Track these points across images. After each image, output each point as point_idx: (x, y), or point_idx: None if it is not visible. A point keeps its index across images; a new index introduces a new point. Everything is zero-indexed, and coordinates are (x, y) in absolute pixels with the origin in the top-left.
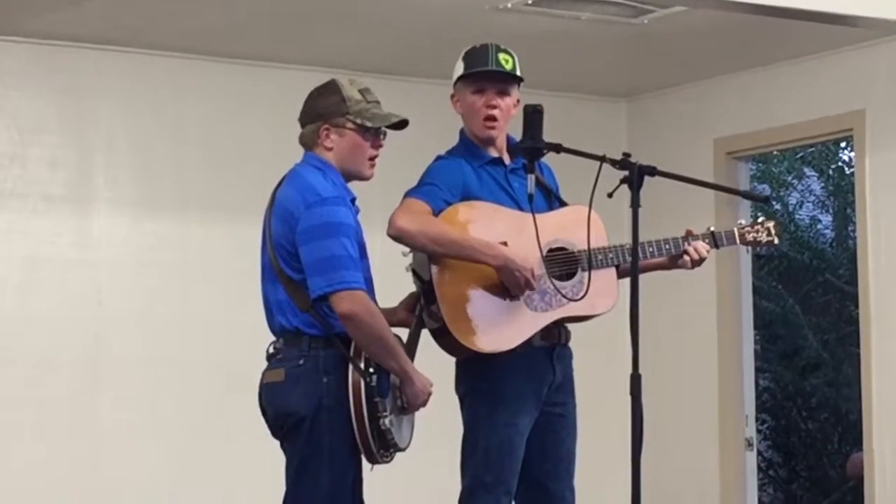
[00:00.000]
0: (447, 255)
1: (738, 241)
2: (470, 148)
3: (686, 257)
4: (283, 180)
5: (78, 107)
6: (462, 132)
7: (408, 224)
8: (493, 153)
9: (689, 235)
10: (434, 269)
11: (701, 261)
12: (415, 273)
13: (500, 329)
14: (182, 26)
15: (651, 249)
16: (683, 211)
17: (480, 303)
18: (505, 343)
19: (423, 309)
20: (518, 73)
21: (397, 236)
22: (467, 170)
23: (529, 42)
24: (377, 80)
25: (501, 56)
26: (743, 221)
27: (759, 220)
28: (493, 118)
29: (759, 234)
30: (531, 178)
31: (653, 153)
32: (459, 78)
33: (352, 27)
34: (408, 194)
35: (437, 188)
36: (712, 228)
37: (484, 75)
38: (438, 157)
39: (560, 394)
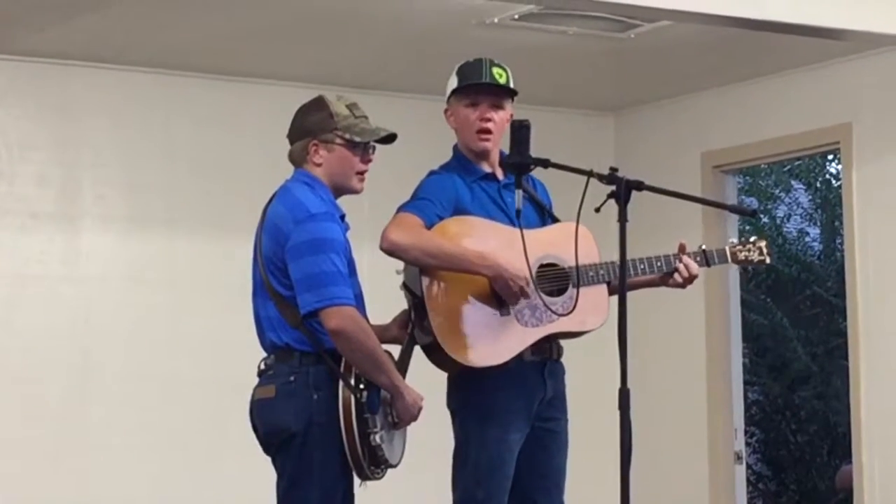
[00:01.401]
0: (441, 267)
1: (729, 260)
2: (463, 163)
3: (677, 275)
4: (273, 197)
5: (66, 123)
6: (456, 147)
7: (400, 238)
8: (487, 168)
9: (681, 249)
10: (425, 283)
11: (692, 279)
12: (406, 288)
13: (490, 344)
14: (170, 43)
15: (642, 267)
16: (671, 225)
17: (471, 318)
18: (495, 358)
19: (414, 325)
20: (512, 86)
21: (390, 250)
22: (460, 184)
23: (516, 57)
24: (365, 95)
25: (495, 70)
26: (734, 240)
27: (752, 239)
28: (487, 131)
29: (751, 252)
30: (519, 194)
31: (640, 167)
32: (453, 92)
33: (340, 43)
34: (400, 209)
35: (429, 202)
36: (704, 247)
37: (478, 88)
38: (431, 172)
39: (551, 409)
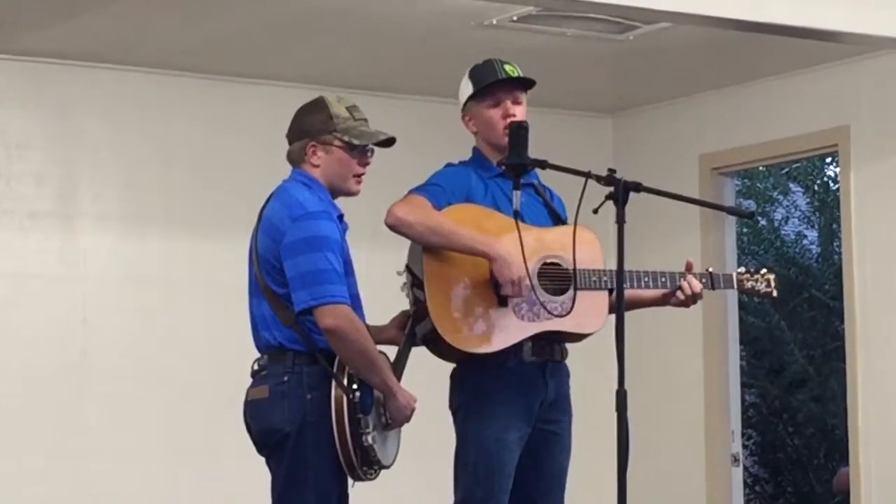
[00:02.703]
0: (443, 246)
1: (735, 287)
2: (481, 161)
3: (679, 293)
4: (270, 197)
5: (64, 123)
6: (475, 149)
7: (406, 214)
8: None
9: (688, 268)
10: (426, 263)
11: (695, 298)
12: (408, 269)
13: (484, 331)
14: (168, 43)
15: (646, 280)
16: (669, 227)
17: (469, 303)
18: (488, 345)
19: (413, 320)
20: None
21: (394, 225)
22: (474, 178)
23: (515, 58)
24: (363, 96)
25: (507, 67)
26: (743, 269)
27: (762, 271)
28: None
29: (759, 283)
30: (517, 195)
31: (638, 169)
32: (471, 96)
33: (338, 44)
34: (411, 191)
35: (441, 189)
36: (711, 269)
37: (497, 87)
38: (448, 164)
39: (554, 411)
